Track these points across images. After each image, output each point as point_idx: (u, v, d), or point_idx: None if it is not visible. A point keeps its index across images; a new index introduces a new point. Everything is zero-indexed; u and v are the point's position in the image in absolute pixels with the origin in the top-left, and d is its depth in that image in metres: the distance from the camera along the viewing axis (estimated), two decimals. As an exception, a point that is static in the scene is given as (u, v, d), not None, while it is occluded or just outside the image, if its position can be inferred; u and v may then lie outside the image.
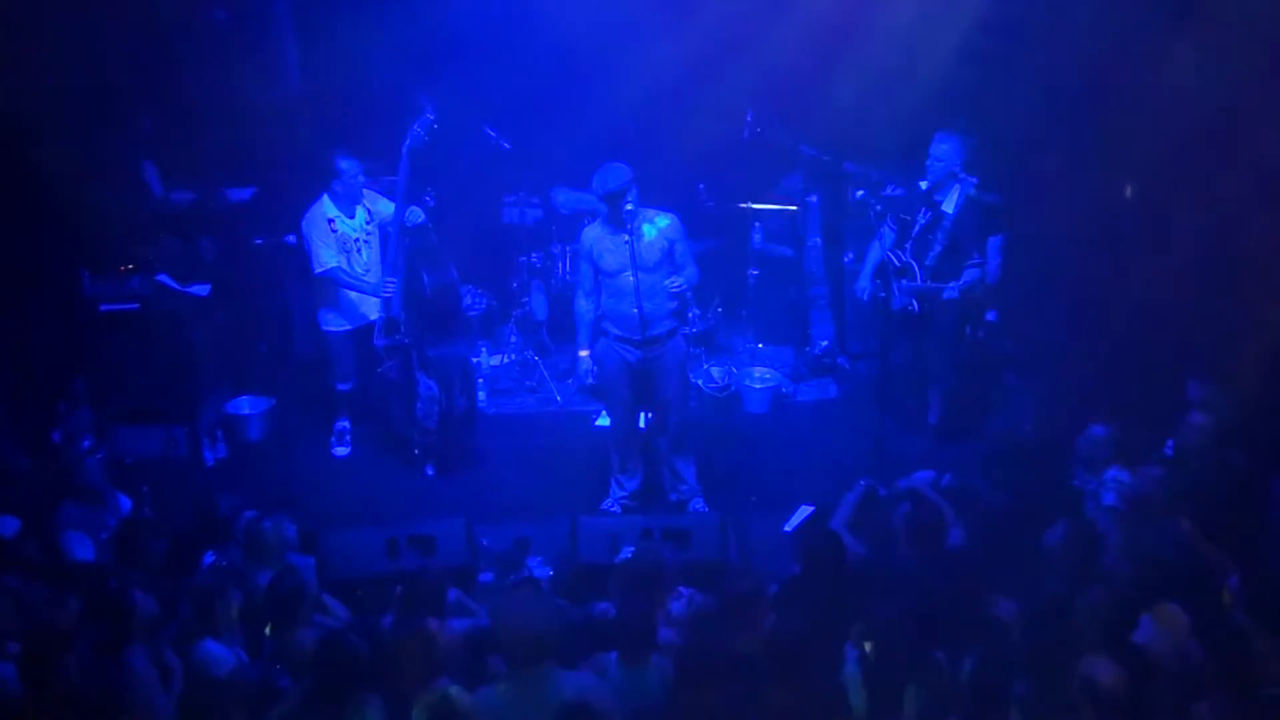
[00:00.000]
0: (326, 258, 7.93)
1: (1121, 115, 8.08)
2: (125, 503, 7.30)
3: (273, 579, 5.90)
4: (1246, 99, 7.41)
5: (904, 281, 7.79)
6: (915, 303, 7.82)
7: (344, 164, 7.92)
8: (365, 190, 8.10)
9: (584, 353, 7.58)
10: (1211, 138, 7.58)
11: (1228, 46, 7.36)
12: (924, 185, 7.87)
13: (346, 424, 8.56)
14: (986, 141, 8.09)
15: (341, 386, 8.47)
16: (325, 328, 8.31)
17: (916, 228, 7.89)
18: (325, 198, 8.01)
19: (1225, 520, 6.28)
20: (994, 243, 8.07)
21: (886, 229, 7.96)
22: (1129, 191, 8.44)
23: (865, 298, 8.08)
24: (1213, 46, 7.41)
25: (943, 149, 7.78)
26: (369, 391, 8.43)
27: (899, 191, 8.36)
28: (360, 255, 8.05)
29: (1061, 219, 8.46)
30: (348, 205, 8.01)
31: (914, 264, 7.85)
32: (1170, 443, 7.07)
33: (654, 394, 7.48)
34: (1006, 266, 8.41)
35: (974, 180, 7.83)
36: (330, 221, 7.96)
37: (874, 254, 8.07)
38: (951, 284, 7.72)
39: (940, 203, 7.84)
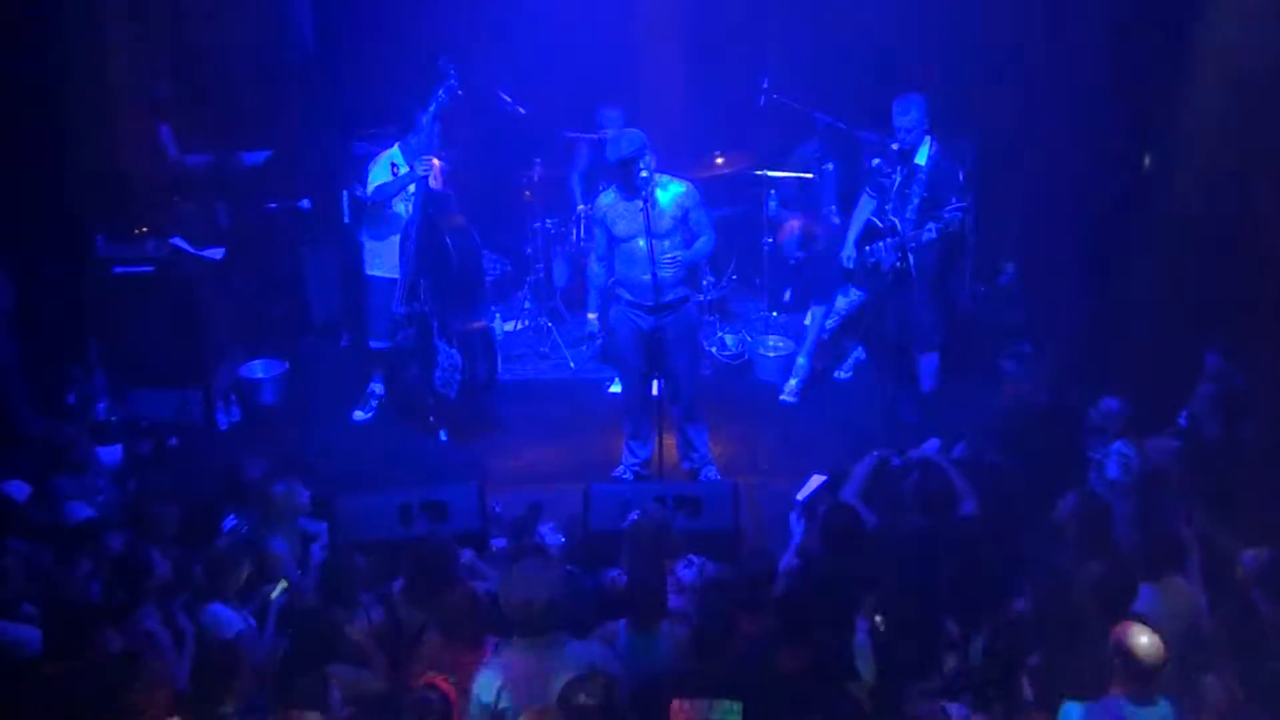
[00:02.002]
0: (375, 182, 7.93)
1: (1140, 81, 8.00)
2: (109, 459, 7.32)
3: (324, 568, 5.91)
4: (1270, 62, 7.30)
5: (890, 239, 7.78)
6: (899, 257, 7.76)
7: (424, 118, 7.81)
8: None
9: (592, 315, 7.62)
10: (1231, 103, 7.50)
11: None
12: (895, 147, 7.81)
13: (381, 387, 8.51)
14: (998, 105, 8.01)
15: (375, 344, 8.36)
16: (369, 271, 8.23)
17: (895, 186, 7.85)
18: (396, 146, 8.01)
19: (1238, 493, 6.27)
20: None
21: (866, 196, 7.94)
22: (1147, 161, 8.36)
23: (851, 266, 8.06)
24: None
25: (909, 118, 7.66)
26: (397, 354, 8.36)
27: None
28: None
29: (1078, 189, 8.41)
30: (416, 159, 7.86)
31: (896, 221, 7.81)
32: (1184, 415, 7.05)
33: (666, 361, 7.46)
34: (1022, 235, 8.31)
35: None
36: (394, 166, 7.95)
37: (856, 222, 8.06)
38: (930, 224, 7.64)
39: (913, 157, 7.78)
